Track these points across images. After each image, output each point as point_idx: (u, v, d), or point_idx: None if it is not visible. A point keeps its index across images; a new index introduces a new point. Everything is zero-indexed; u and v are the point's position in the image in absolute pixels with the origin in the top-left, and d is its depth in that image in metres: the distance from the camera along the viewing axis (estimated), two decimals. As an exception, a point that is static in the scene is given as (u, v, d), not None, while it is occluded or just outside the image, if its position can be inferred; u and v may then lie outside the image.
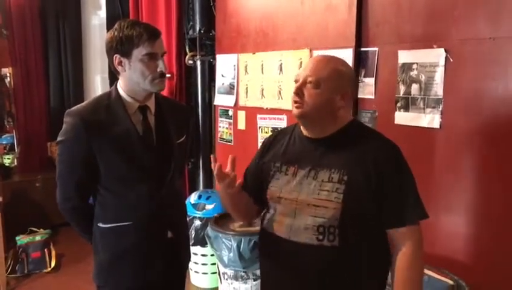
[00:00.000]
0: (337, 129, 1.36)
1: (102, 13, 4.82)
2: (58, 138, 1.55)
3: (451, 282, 1.93)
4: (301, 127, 1.41)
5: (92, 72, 5.14)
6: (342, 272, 1.31)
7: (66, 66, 5.13)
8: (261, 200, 1.49)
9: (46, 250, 3.68)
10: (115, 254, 1.61)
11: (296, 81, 1.36)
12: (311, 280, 1.32)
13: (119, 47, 1.50)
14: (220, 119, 3.49)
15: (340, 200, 1.27)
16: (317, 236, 1.28)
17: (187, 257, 1.83)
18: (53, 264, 3.66)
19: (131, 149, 1.54)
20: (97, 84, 5.08)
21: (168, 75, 1.59)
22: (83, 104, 1.60)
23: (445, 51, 2.08)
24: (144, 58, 1.50)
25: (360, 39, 2.44)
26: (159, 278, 1.64)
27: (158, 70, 1.52)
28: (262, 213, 1.52)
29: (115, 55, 1.52)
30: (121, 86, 1.59)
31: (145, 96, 1.59)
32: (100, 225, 1.61)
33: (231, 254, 2.62)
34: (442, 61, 2.10)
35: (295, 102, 1.34)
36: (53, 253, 3.71)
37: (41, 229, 3.90)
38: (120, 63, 1.52)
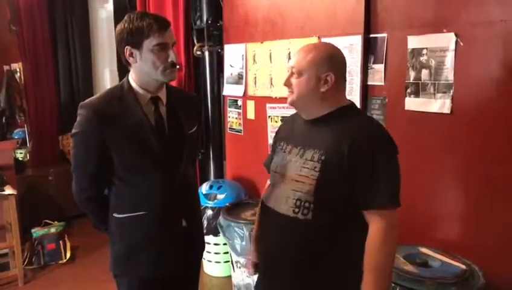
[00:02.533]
0: (328, 111, 1.45)
1: (110, 6, 4.82)
2: (73, 130, 1.57)
3: (463, 267, 1.93)
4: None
5: (101, 65, 5.17)
6: (314, 246, 1.41)
7: (75, 59, 5.16)
8: None
9: (61, 242, 3.74)
10: (130, 244, 1.63)
11: (288, 72, 1.49)
12: (287, 248, 1.44)
13: (129, 38, 1.51)
14: (229, 109, 3.50)
15: (315, 177, 1.38)
16: (293, 209, 1.41)
17: (202, 246, 1.86)
18: (68, 255, 3.72)
19: (144, 140, 1.56)
20: (106, 77, 5.11)
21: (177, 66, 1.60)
22: (96, 96, 1.62)
23: (456, 35, 2.06)
24: (155, 49, 1.51)
25: (369, 25, 2.43)
26: (175, 267, 1.67)
27: (169, 60, 1.53)
28: None
29: (126, 47, 1.53)
30: (133, 78, 1.60)
31: (156, 87, 1.60)
32: (115, 215, 1.63)
33: (244, 243, 2.65)
34: (452, 46, 2.08)
35: (288, 91, 1.48)
36: (68, 245, 3.77)
37: (56, 222, 3.96)
38: (131, 54, 1.54)
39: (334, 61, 1.44)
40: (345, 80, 1.52)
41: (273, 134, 3.06)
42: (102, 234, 1.76)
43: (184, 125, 1.66)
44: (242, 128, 3.39)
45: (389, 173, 1.36)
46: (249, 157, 3.35)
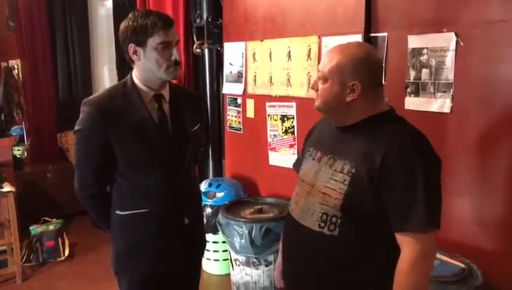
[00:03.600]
0: (360, 120, 1.32)
1: (109, 3, 4.82)
2: (76, 127, 1.58)
3: (462, 265, 1.94)
4: None
5: (100, 62, 5.16)
6: (338, 260, 1.31)
7: (74, 56, 5.16)
8: None
9: (59, 239, 3.74)
10: (133, 241, 1.63)
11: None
12: (311, 263, 1.36)
13: (133, 36, 1.52)
14: (228, 107, 3.50)
15: (343, 191, 1.27)
16: (319, 223, 1.31)
17: (203, 244, 1.86)
18: (67, 253, 3.71)
19: (147, 137, 1.57)
20: (105, 75, 5.10)
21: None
22: (99, 93, 1.63)
23: (456, 34, 2.07)
24: (158, 47, 1.52)
25: (370, 24, 2.43)
26: (177, 265, 1.68)
27: (172, 58, 1.54)
28: None
29: (130, 45, 1.54)
30: (136, 75, 1.61)
31: (159, 84, 1.61)
32: (118, 212, 1.64)
33: (243, 241, 2.65)
34: (452, 46, 2.09)
35: (315, 95, 1.38)
36: (66, 242, 3.77)
37: (54, 219, 3.96)
38: (135, 52, 1.55)
39: (361, 68, 1.28)
40: (379, 86, 1.37)
41: (273, 132, 3.11)
42: (100, 231, 1.76)
43: (187, 122, 1.67)
44: (242, 127, 3.39)
45: (427, 191, 1.19)
46: (249, 155, 3.36)
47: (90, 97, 1.60)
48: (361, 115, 1.32)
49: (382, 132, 1.28)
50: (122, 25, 1.56)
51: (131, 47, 1.54)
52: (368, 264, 1.31)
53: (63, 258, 3.69)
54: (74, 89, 5.18)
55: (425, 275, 1.25)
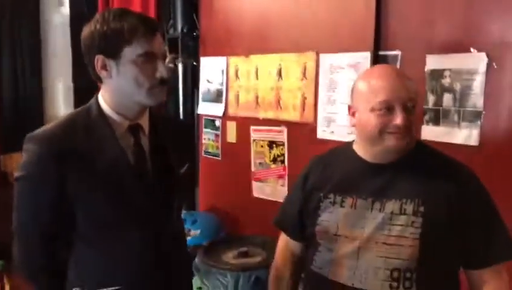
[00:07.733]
0: (407, 152, 1.19)
1: (65, 10, 4.31)
2: (17, 173, 1.13)
3: None
4: (363, 149, 1.22)
5: (53, 79, 4.57)
6: None
7: (23, 71, 4.52)
8: (304, 238, 1.32)
9: (-2, 284, 3.17)
10: None
11: (388, 108, 1.13)
12: None
13: (103, 45, 1.11)
14: (204, 130, 3.08)
15: (417, 236, 1.10)
16: (390, 283, 1.10)
17: None
18: (7, 300, 3.14)
19: (120, 185, 1.14)
20: (59, 94, 4.52)
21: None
22: (51, 125, 1.17)
23: (487, 55, 1.79)
24: (139, 60, 1.11)
25: (379, 41, 2.12)
26: None
27: (157, 75, 1.14)
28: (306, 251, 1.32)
29: (97, 56, 1.12)
30: (105, 99, 1.18)
31: (138, 111, 1.20)
32: None
33: (228, 292, 2.23)
34: (482, 68, 1.81)
35: (401, 133, 1.13)
36: (7, 287, 3.19)
37: (-8, 260, 3.36)
38: (104, 66, 1.13)
39: None
40: None
41: (258, 160, 2.71)
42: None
43: (173, 163, 1.25)
44: (220, 152, 2.99)
45: (499, 216, 1.16)
46: (228, 185, 2.95)
47: (38, 131, 1.14)
48: (411, 143, 1.20)
49: (436, 164, 1.20)
50: (86, 30, 1.14)
51: (99, 59, 1.12)
52: None
53: (2, 306, 3.12)
54: (21, 106, 4.55)
55: None
